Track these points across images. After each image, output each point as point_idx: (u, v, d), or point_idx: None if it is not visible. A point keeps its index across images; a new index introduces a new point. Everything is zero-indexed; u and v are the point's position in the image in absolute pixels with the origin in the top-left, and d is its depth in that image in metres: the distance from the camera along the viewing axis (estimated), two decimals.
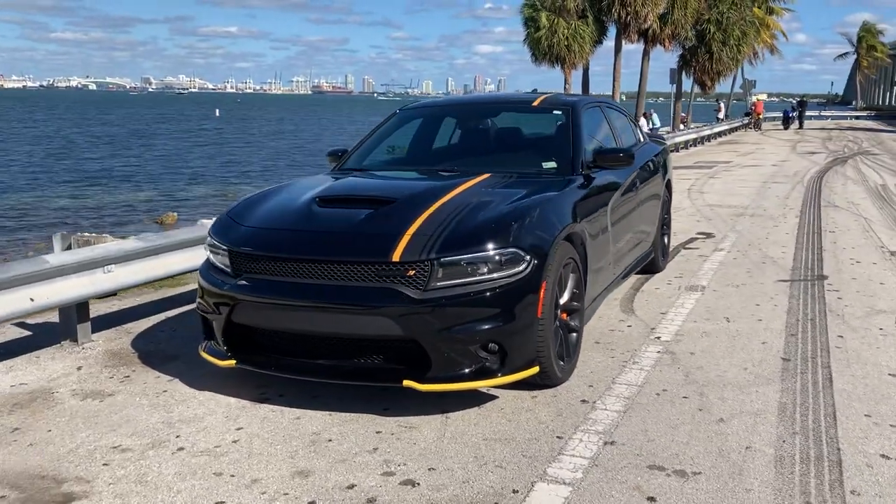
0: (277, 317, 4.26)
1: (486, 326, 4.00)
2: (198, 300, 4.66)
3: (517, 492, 3.38)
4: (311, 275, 4.14)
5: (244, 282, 4.31)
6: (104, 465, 3.69)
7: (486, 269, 4.03)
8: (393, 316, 3.96)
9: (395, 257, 4.00)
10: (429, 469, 3.60)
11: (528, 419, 4.15)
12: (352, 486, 3.45)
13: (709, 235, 9.88)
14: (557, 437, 3.93)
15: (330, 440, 3.93)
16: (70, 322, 5.52)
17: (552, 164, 5.32)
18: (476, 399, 4.36)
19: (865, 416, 4.15)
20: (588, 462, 3.64)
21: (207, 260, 4.73)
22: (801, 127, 44.87)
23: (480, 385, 4.09)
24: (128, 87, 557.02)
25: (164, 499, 3.36)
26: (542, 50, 34.39)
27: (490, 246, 4.06)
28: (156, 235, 5.89)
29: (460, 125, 6.23)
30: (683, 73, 38.84)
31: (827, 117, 57.76)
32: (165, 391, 4.63)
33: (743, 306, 6.38)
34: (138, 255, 5.63)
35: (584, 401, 4.39)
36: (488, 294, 4.01)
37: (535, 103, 6.09)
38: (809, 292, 6.84)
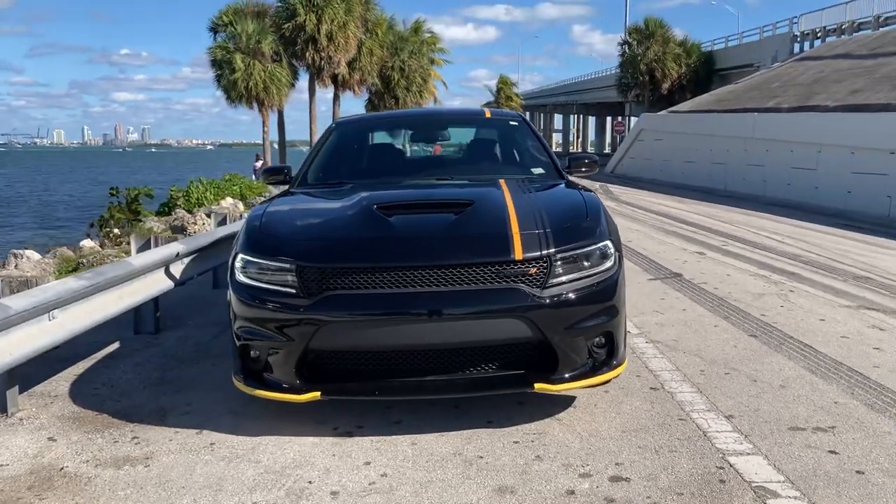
0: (379, 334, 3.78)
1: (599, 320, 3.96)
2: (240, 329, 3.94)
3: (722, 468, 3.44)
4: (416, 283, 3.76)
5: (330, 300, 3.76)
6: None
7: (587, 264, 4.00)
8: (522, 317, 3.76)
9: (517, 255, 3.81)
10: (616, 464, 3.50)
11: (632, 410, 4.19)
12: (571, 492, 3.22)
13: None
14: (680, 419, 4.04)
15: (481, 457, 3.60)
16: None
17: (540, 170, 5.40)
18: (565, 402, 4.28)
19: (875, 366, 4.85)
20: (739, 435, 3.81)
21: (242, 285, 4.00)
22: None
23: (600, 380, 4.02)
24: None
25: None
26: (239, 92, 33.72)
27: (593, 240, 4.05)
28: (91, 273, 4.83)
29: (423, 137, 6.03)
30: None
31: None
32: (213, 443, 3.84)
33: (654, 301, 6.98)
34: (82, 295, 4.59)
35: (652, 388, 4.54)
36: (599, 287, 3.98)
37: (488, 115, 6.14)
38: (686, 286, 7.69)
